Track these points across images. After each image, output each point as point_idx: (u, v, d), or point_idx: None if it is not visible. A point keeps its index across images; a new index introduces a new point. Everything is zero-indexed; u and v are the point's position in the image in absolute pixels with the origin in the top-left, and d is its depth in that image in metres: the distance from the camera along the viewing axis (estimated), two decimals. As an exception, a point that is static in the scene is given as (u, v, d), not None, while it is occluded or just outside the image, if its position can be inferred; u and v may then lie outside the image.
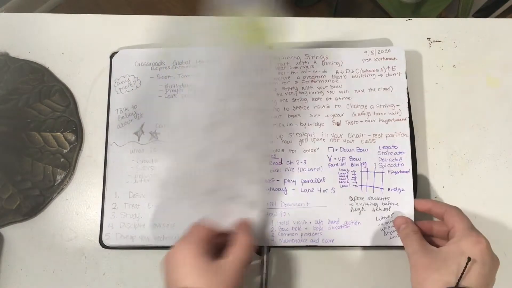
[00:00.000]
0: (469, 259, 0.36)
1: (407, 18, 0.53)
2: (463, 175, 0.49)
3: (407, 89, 0.49)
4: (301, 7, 1.37)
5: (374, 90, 0.48)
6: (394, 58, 0.48)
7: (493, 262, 0.38)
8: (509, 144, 0.49)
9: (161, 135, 0.48)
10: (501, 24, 0.53)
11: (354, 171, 0.46)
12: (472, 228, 0.39)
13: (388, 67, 0.48)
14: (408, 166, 0.46)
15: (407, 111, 0.47)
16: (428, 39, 0.53)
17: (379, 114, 0.47)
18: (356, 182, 0.46)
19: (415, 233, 0.41)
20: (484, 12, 1.07)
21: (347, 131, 0.47)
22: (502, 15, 1.05)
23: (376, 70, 0.48)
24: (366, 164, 0.46)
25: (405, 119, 0.47)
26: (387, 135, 0.47)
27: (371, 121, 0.47)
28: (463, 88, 0.51)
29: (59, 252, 0.46)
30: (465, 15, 0.99)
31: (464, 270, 0.35)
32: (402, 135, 0.46)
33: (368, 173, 0.46)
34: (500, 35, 0.53)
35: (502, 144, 0.49)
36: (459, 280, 0.35)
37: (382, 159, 0.46)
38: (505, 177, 0.48)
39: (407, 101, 0.47)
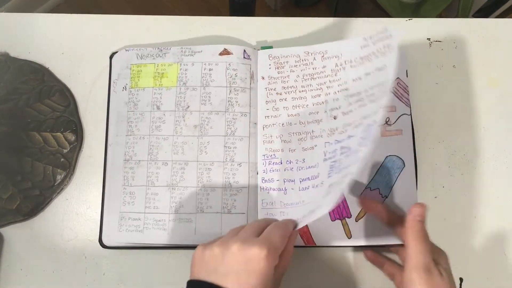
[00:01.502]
0: (461, 280, 0.35)
1: (407, 18, 0.53)
2: (463, 175, 0.49)
3: (406, 83, 0.49)
4: (301, 7, 1.37)
5: (369, 74, 0.45)
6: (390, 35, 0.43)
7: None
8: (509, 144, 0.49)
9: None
10: (501, 24, 0.53)
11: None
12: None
13: (384, 47, 0.43)
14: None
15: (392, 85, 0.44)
16: (428, 39, 0.53)
17: (371, 95, 0.44)
18: None
19: (426, 235, 0.36)
20: (484, 12, 1.07)
21: (342, 122, 0.45)
22: (502, 15, 1.05)
23: (373, 52, 0.45)
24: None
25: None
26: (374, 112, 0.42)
27: (363, 106, 0.44)
28: (463, 88, 0.51)
29: (59, 252, 0.46)
30: (465, 15, 0.99)
31: None
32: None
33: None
34: (500, 35, 0.53)
35: (502, 144, 0.49)
36: None
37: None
38: (505, 177, 0.48)
39: (394, 77, 0.44)
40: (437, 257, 0.37)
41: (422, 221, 0.37)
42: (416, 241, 0.36)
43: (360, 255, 0.46)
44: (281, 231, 0.35)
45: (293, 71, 0.49)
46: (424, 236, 0.36)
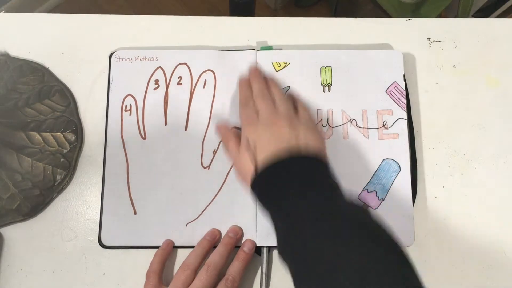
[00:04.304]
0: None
1: (407, 18, 0.53)
2: (463, 175, 0.49)
3: (407, 89, 0.49)
4: (301, 7, 1.37)
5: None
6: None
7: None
8: (509, 144, 0.49)
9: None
10: (501, 24, 0.53)
11: None
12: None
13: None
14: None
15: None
16: (428, 39, 0.53)
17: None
18: None
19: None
20: (484, 12, 1.07)
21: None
22: (502, 15, 1.05)
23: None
24: None
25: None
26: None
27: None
28: (463, 88, 0.51)
29: (59, 252, 0.46)
30: (465, 15, 0.99)
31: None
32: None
33: None
34: (500, 35, 0.53)
35: (502, 144, 0.49)
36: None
37: None
38: (505, 177, 0.48)
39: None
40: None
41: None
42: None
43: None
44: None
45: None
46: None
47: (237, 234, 0.44)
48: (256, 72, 0.47)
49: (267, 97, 0.44)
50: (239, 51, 0.50)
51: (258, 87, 0.45)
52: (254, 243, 0.44)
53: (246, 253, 0.43)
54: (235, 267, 0.42)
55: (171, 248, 0.45)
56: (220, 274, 0.42)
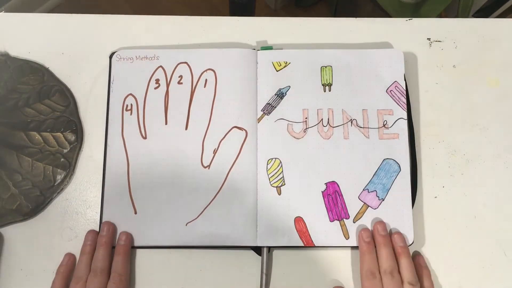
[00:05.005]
0: None
1: (407, 18, 0.53)
2: (463, 175, 0.49)
3: (407, 89, 0.49)
4: (301, 7, 1.36)
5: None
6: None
7: None
8: (509, 144, 0.49)
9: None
10: (501, 24, 0.53)
11: None
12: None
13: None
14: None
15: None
16: (428, 39, 0.53)
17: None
18: None
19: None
20: (484, 12, 1.07)
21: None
22: (502, 15, 1.05)
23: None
24: None
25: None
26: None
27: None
28: (463, 88, 0.51)
29: (59, 252, 0.46)
30: (465, 15, 0.99)
31: None
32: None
33: None
34: (500, 35, 0.53)
35: (502, 144, 0.49)
36: None
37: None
38: (505, 177, 0.48)
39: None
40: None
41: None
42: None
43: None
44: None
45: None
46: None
47: (109, 229, 0.45)
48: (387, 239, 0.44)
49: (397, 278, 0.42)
50: (240, 49, 0.50)
51: (388, 263, 0.42)
52: (128, 234, 0.45)
53: (122, 245, 0.44)
54: (117, 263, 0.43)
55: (74, 262, 0.45)
56: (109, 274, 0.43)
